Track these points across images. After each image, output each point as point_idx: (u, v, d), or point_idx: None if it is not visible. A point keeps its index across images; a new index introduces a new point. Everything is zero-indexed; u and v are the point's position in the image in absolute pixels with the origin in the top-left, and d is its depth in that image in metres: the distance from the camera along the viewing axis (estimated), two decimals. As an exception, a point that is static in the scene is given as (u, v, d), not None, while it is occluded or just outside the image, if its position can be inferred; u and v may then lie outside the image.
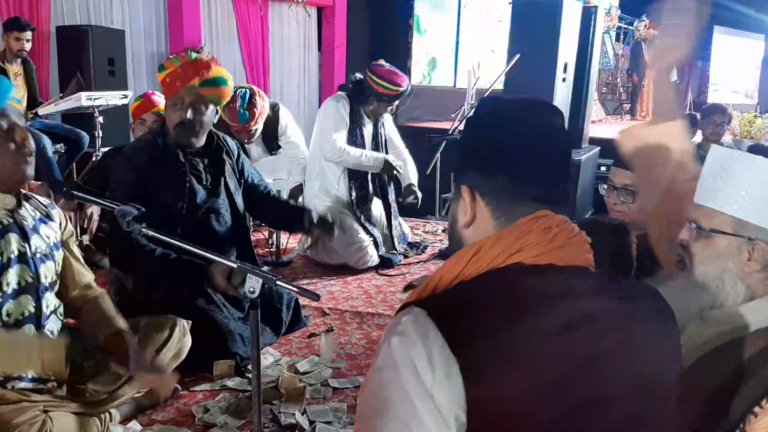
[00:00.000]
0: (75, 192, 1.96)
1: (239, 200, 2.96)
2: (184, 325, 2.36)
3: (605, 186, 2.26)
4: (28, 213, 2.00)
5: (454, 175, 1.14)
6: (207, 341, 2.47)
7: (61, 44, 6.13)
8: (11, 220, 1.94)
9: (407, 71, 9.53)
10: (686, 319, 1.39)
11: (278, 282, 1.83)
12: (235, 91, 3.71)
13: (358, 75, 4.07)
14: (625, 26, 11.94)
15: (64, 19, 6.46)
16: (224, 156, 2.90)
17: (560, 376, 0.94)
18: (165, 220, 2.53)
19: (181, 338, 2.32)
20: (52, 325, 2.06)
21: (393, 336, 0.93)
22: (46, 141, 4.59)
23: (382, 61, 4.14)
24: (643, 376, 1.03)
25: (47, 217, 2.08)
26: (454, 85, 9.86)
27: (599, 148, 6.51)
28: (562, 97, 5.72)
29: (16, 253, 1.90)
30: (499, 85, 5.50)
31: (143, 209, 1.93)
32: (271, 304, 2.95)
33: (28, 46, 4.88)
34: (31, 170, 1.93)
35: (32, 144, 1.93)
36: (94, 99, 4.32)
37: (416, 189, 4.38)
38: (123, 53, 6.37)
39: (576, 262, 1.04)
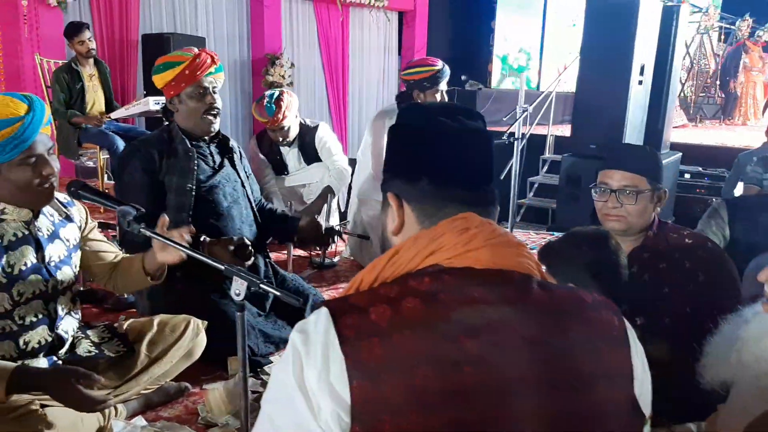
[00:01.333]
0: (80, 191, 1.99)
1: (248, 186, 3.02)
2: (198, 325, 2.36)
3: (596, 191, 2.08)
4: (45, 221, 2.05)
5: (381, 183, 1.14)
6: (221, 337, 2.46)
7: (146, 51, 6.43)
8: (27, 232, 1.99)
9: (487, 74, 9.39)
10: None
11: (261, 285, 1.79)
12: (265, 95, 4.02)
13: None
14: (727, 26, 11.24)
15: (152, 27, 6.77)
16: (231, 145, 2.98)
17: (452, 387, 0.89)
18: (178, 200, 2.73)
19: (193, 338, 2.32)
20: (66, 326, 2.11)
21: (294, 331, 0.94)
22: (119, 142, 4.79)
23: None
24: (549, 394, 0.94)
25: (67, 219, 2.13)
26: (538, 88, 9.59)
27: (680, 154, 6.13)
28: (638, 100, 5.42)
29: (30, 264, 1.96)
30: (568, 88, 5.26)
31: (143, 210, 1.95)
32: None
33: (92, 45, 5.04)
34: (51, 195, 1.99)
35: (53, 171, 1.96)
36: (162, 104, 4.45)
37: None
38: (204, 57, 6.58)
39: (499, 266, 0.99)
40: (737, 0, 11.13)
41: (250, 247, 2.54)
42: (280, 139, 4.08)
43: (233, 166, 2.98)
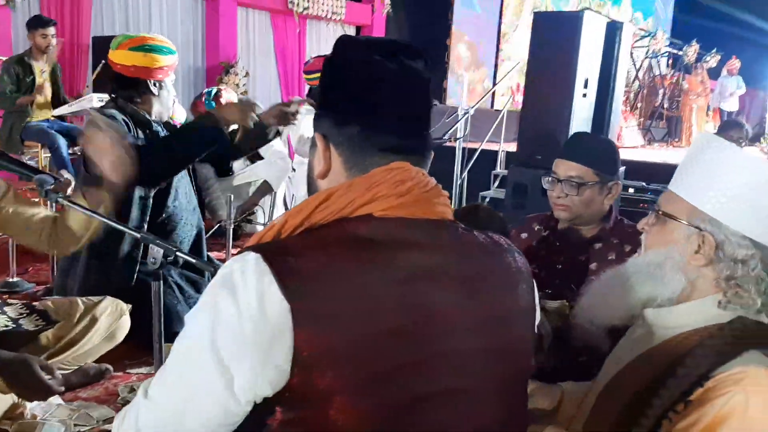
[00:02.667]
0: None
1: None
2: (121, 308, 2.33)
3: (548, 179, 2.13)
4: None
5: (313, 122, 1.08)
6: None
7: (96, 53, 6.37)
8: None
9: (443, 91, 9.52)
10: (628, 309, 1.32)
11: (177, 253, 1.79)
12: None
13: None
14: (675, 51, 11.62)
15: (103, 30, 6.72)
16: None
17: (393, 327, 0.89)
18: None
19: (115, 321, 2.29)
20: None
21: (215, 284, 0.89)
22: (61, 141, 4.73)
23: None
24: (482, 331, 0.98)
25: None
26: (491, 107, 9.76)
27: (624, 167, 6.28)
28: (582, 112, 5.55)
29: None
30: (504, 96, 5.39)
31: (60, 179, 1.93)
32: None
33: (53, 41, 5.02)
34: None
35: None
36: (104, 100, 4.42)
37: None
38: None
39: (428, 216, 1.00)
40: (685, 26, 11.53)
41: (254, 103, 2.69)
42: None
43: None
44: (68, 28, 6.41)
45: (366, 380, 0.88)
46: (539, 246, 2.25)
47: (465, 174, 6.23)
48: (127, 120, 2.66)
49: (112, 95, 2.79)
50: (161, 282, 1.82)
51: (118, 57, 2.65)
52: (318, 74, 3.94)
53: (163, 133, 2.84)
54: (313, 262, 0.89)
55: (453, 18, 9.50)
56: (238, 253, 0.93)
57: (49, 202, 2.02)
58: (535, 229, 2.27)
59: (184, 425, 0.90)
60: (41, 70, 5.02)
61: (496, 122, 7.35)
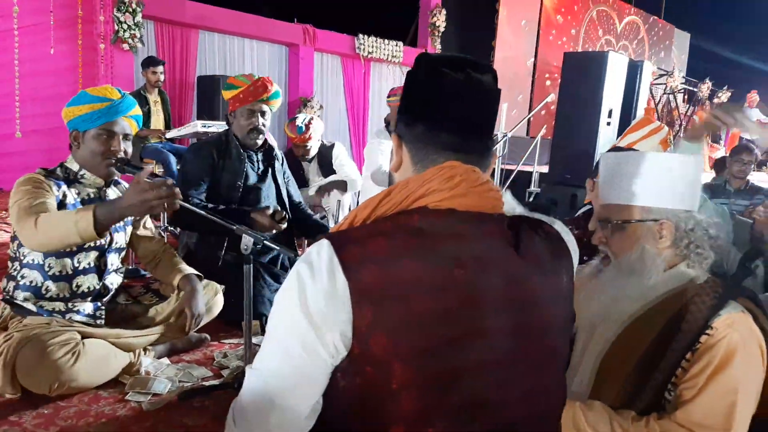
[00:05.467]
0: (125, 167, 2.08)
1: (284, 189, 3.08)
2: (216, 288, 2.42)
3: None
4: (113, 194, 2.17)
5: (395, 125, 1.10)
6: (239, 304, 2.51)
7: (200, 89, 6.62)
8: (98, 196, 2.12)
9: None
10: (622, 301, 1.33)
11: (265, 242, 1.86)
12: (298, 117, 4.10)
13: None
14: (690, 88, 11.27)
15: (206, 70, 6.96)
16: (274, 154, 3.05)
17: (442, 308, 0.88)
18: (228, 194, 2.83)
19: (212, 297, 2.37)
20: (112, 279, 2.18)
21: (299, 262, 0.91)
22: (172, 159, 4.91)
23: None
24: (517, 312, 0.95)
25: None
26: (527, 134, 9.65)
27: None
28: (606, 138, 5.45)
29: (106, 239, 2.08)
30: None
31: (166, 179, 2.03)
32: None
33: (162, 77, 5.25)
34: (112, 170, 2.10)
35: (120, 148, 2.07)
36: (208, 126, 4.59)
37: None
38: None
39: (479, 208, 0.97)
40: (699, 65, 11.18)
41: (284, 213, 2.67)
42: (302, 154, 4.15)
43: (274, 172, 3.05)
44: (178, 69, 6.68)
45: (412, 352, 0.87)
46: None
47: (503, 191, 6.17)
48: (216, 147, 2.85)
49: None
50: (251, 266, 1.90)
51: (224, 93, 2.91)
52: (397, 97, 4.00)
53: (254, 158, 2.97)
54: (371, 247, 0.89)
55: (494, 58, 9.47)
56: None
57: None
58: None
59: (285, 382, 0.90)
60: (154, 101, 5.25)
61: (531, 147, 7.31)
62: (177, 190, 1.80)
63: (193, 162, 2.84)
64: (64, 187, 2.01)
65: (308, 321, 0.87)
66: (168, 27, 6.56)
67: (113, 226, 2.11)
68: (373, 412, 0.89)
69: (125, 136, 2.07)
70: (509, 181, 6.48)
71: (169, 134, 4.97)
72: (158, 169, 5.05)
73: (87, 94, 2.02)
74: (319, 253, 0.89)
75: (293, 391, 0.91)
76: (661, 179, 1.30)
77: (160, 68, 5.20)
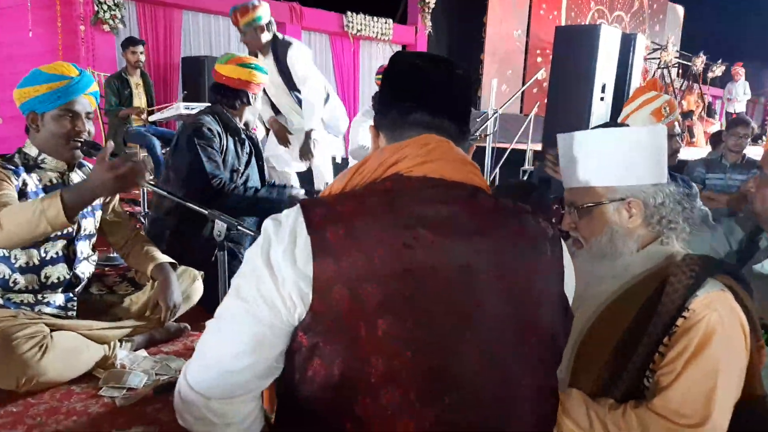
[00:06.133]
0: (91, 150, 1.95)
1: (266, 172, 2.99)
2: (195, 274, 2.32)
3: None
4: (77, 177, 2.04)
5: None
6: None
7: (185, 71, 6.47)
8: (60, 181, 1.99)
9: (477, 99, 9.34)
10: (597, 284, 1.25)
11: (239, 227, 1.75)
12: None
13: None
14: (685, 62, 11.13)
15: (191, 51, 6.79)
16: (254, 136, 2.94)
17: (404, 268, 0.86)
18: (229, 177, 2.66)
19: (190, 284, 2.27)
20: (83, 268, 2.08)
21: (268, 219, 0.92)
22: (156, 142, 4.78)
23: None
24: (493, 283, 0.91)
25: None
26: (521, 112, 9.53)
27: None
28: (599, 113, 5.36)
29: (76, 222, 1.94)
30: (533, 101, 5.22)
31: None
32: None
33: (142, 57, 5.09)
34: (78, 153, 1.97)
35: (85, 129, 1.95)
36: (191, 108, 4.46)
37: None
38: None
39: (451, 177, 0.96)
40: (694, 39, 11.03)
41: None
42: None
43: (258, 154, 2.93)
44: (162, 50, 6.51)
45: (374, 308, 0.85)
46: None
47: (497, 170, 6.10)
48: (219, 128, 2.64)
49: (211, 103, 2.77)
50: (225, 252, 1.80)
51: (226, 70, 2.67)
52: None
53: (247, 142, 2.83)
54: (339, 208, 0.89)
55: (486, 35, 9.30)
56: None
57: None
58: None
59: (242, 330, 0.88)
60: (136, 83, 5.11)
61: (524, 125, 7.21)
62: (143, 165, 1.70)
63: (208, 149, 2.58)
64: (23, 174, 1.89)
65: (269, 272, 0.86)
66: (150, 7, 6.38)
67: (81, 213, 2.00)
68: (340, 378, 0.86)
69: (87, 115, 1.95)
70: (502, 160, 6.37)
71: (152, 117, 4.84)
72: (142, 153, 4.93)
73: (42, 73, 1.86)
74: (288, 214, 0.90)
75: (249, 343, 0.88)
76: (619, 156, 1.21)
77: (140, 48, 5.05)
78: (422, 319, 0.87)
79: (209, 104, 2.77)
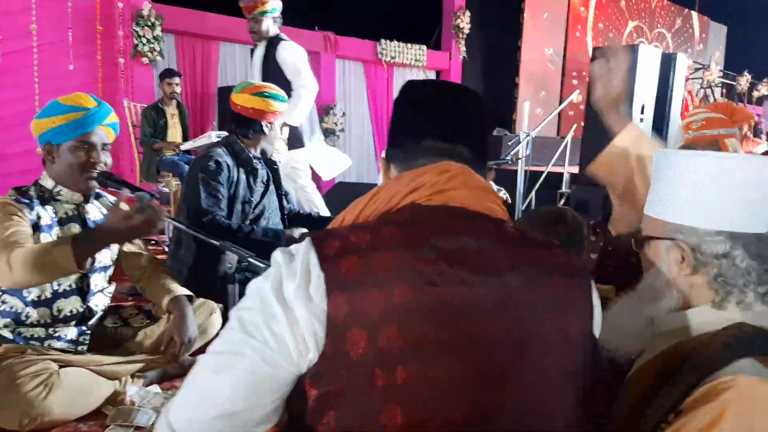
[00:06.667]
0: (107, 180, 1.92)
1: (284, 200, 2.90)
2: (213, 306, 2.24)
3: None
4: (94, 209, 2.01)
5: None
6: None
7: (222, 101, 6.53)
8: (76, 213, 1.95)
9: (512, 122, 9.18)
10: (641, 338, 1.06)
11: (250, 259, 1.67)
12: None
13: None
14: (729, 81, 10.74)
15: (227, 81, 6.88)
16: (276, 165, 2.86)
17: (426, 303, 0.78)
18: (243, 207, 2.62)
19: (207, 316, 2.20)
20: (97, 301, 2.03)
21: (277, 251, 0.84)
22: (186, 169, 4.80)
23: None
24: (515, 325, 0.82)
25: None
26: (557, 134, 9.32)
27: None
28: (639, 135, 5.13)
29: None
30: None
31: (153, 194, 1.86)
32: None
33: (177, 89, 5.17)
34: (93, 184, 1.94)
35: (100, 160, 1.92)
36: (221, 137, 4.46)
37: (499, 188, 3.91)
38: (268, 107, 6.64)
39: (473, 207, 0.88)
40: (737, 58, 10.66)
41: None
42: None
43: (277, 182, 2.86)
44: (199, 80, 6.62)
45: (391, 350, 0.76)
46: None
47: (532, 193, 5.94)
48: (229, 159, 2.58)
49: (228, 132, 2.73)
50: (236, 284, 1.72)
51: (240, 99, 2.61)
52: None
53: (262, 169, 2.74)
54: (353, 239, 0.82)
55: (521, 59, 9.18)
56: None
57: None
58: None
59: (242, 369, 0.78)
60: (171, 113, 5.17)
61: (561, 148, 7.04)
62: (158, 212, 1.65)
63: (211, 182, 2.52)
64: (38, 207, 1.85)
65: (281, 306, 0.78)
66: (188, 39, 6.50)
67: None
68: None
69: (104, 146, 1.91)
70: (538, 183, 6.20)
71: (184, 146, 4.87)
72: (174, 182, 4.96)
73: (60, 104, 1.85)
74: (299, 248, 0.82)
75: (250, 385, 0.78)
76: (686, 187, 0.98)
77: (176, 80, 5.13)
78: (451, 366, 0.78)
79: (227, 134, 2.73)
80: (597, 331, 0.91)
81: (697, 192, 0.97)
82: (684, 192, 0.98)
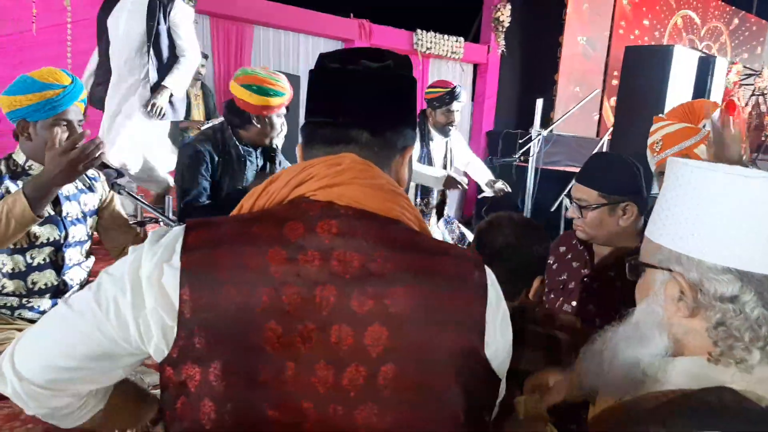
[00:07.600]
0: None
1: None
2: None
3: (571, 201, 1.82)
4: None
5: None
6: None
7: (252, 84, 6.59)
8: None
9: (549, 121, 8.95)
10: (629, 381, 0.86)
11: (143, 204, 1.75)
12: None
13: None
14: (784, 89, 10.18)
15: (260, 65, 6.90)
16: (274, 148, 2.81)
17: (277, 303, 0.76)
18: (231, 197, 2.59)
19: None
20: (73, 275, 2.05)
21: (152, 233, 0.85)
22: (207, 150, 4.87)
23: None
24: (383, 324, 0.77)
25: (89, 189, 2.08)
26: (596, 135, 9.06)
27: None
28: (669, 140, 4.92)
29: (47, 214, 1.89)
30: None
31: (121, 171, 1.88)
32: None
33: (203, 71, 5.30)
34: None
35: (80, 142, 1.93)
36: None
37: (496, 180, 3.94)
38: (297, 93, 6.65)
39: (362, 206, 0.82)
40: (795, 65, 10.08)
41: None
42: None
43: (273, 168, 2.81)
44: (232, 63, 6.68)
45: (236, 350, 0.76)
46: (572, 259, 1.95)
47: (563, 195, 5.80)
48: (210, 147, 2.55)
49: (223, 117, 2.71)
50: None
51: (234, 88, 2.56)
52: (433, 89, 3.60)
53: (256, 158, 2.72)
54: (221, 230, 0.80)
55: (562, 56, 8.92)
56: None
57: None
58: (572, 243, 1.96)
59: (79, 337, 0.81)
60: (195, 94, 5.25)
61: (596, 148, 6.88)
62: (99, 141, 1.67)
63: (191, 169, 2.52)
64: (7, 181, 1.88)
65: (131, 286, 0.79)
66: (223, 22, 6.56)
67: (70, 219, 1.97)
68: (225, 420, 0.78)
69: (79, 123, 1.92)
70: (570, 186, 6.03)
71: (203, 127, 4.92)
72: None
73: (35, 81, 1.82)
74: (173, 232, 0.83)
75: (82, 349, 0.80)
76: (710, 212, 0.77)
77: (202, 61, 5.18)
78: (278, 368, 0.77)
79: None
80: (493, 352, 0.82)
81: (706, 215, 0.77)
82: (690, 213, 0.78)
